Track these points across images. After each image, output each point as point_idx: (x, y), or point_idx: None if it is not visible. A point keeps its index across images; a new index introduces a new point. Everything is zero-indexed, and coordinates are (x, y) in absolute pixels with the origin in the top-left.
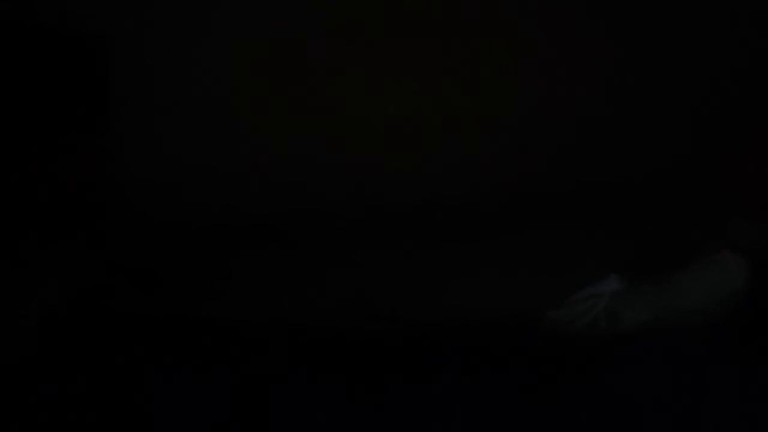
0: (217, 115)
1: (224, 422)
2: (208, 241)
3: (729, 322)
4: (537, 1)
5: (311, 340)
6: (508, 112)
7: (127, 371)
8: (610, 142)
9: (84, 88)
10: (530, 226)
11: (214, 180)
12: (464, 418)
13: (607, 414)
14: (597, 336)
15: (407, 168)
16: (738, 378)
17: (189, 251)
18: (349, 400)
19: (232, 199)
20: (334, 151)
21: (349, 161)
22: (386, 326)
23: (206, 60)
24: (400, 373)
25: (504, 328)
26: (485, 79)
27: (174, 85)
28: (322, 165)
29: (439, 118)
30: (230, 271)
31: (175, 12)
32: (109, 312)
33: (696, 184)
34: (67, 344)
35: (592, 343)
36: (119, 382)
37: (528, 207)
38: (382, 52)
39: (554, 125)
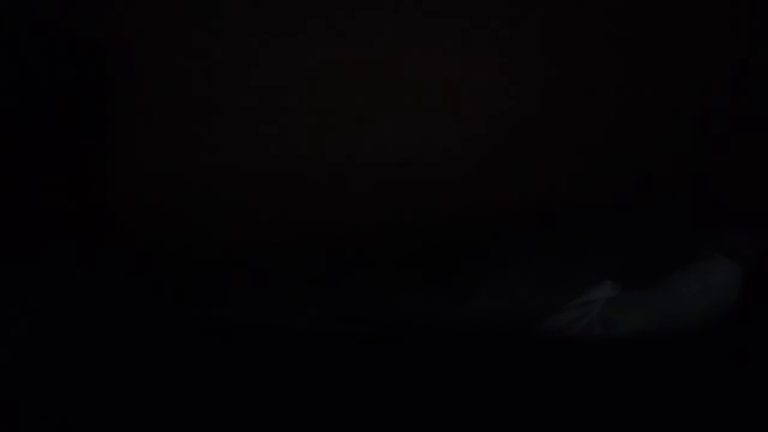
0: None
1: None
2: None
3: (723, 327)
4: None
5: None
6: (501, 128)
7: (127, 371)
8: (603, 149)
9: (82, 92)
10: (524, 236)
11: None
12: (459, 424)
13: (603, 419)
14: (592, 342)
15: (407, 186)
16: (732, 383)
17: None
18: (352, 400)
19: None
20: (336, 170)
21: (349, 185)
22: (390, 331)
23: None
24: (400, 375)
25: (499, 335)
26: (478, 101)
27: (172, 91)
28: (324, 181)
29: (438, 138)
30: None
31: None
32: (107, 312)
33: (689, 190)
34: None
35: (586, 350)
36: (117, 382)
37: (522, 218)
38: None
39: (547, 136)
